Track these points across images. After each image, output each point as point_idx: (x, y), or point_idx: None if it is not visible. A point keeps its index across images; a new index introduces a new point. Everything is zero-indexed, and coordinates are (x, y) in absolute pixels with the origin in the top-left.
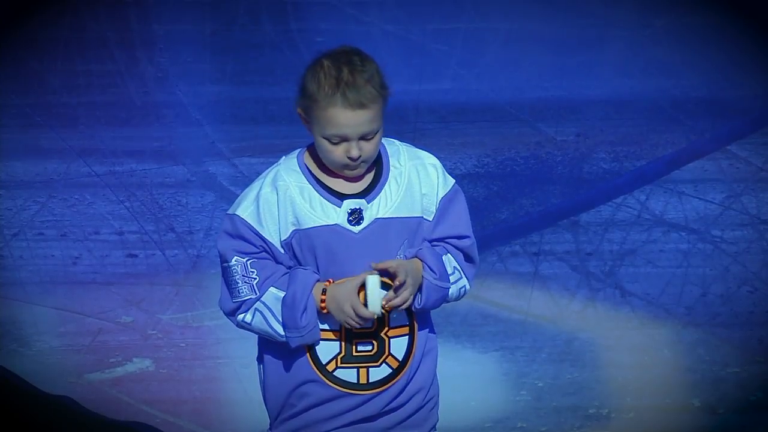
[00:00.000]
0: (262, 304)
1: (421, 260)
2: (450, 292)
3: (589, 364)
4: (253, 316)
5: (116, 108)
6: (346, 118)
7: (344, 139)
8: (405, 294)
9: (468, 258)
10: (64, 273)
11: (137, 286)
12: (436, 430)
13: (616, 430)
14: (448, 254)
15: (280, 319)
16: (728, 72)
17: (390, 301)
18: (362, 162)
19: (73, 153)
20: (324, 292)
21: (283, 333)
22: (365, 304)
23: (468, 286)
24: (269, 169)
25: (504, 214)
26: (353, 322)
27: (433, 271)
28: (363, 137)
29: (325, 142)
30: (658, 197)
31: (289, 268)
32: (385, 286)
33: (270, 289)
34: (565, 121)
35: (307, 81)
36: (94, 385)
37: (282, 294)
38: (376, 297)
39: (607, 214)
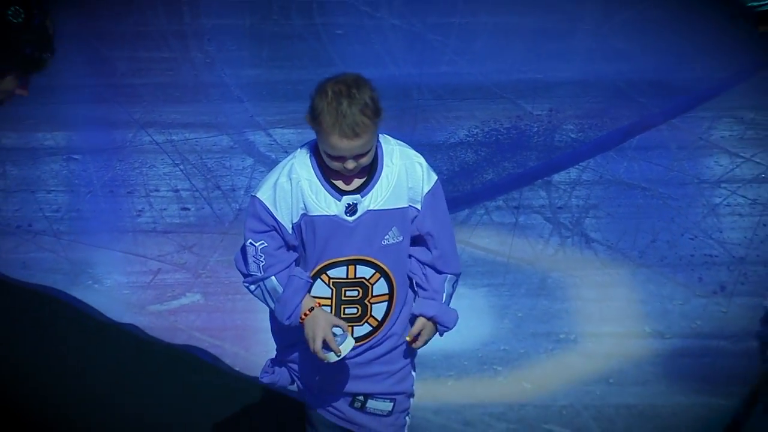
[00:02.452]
0: (264, 285)
1: (436, 322)
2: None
3: (559, 297)
4: (255, 288)
5: (172, 88)
6: (343, 144)
7: (341, 158)
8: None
9: (452, 250)
10: (130, 223)
11: (190, 234)
12: (413, 365)
13: (582, 351)
14: (448, 276)
15: (274, 305)
16: (674, 58)
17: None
18: (356, 172)
19: (137, 125)
20: (311, 309)
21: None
22: (327, 348)
23: (458, 279)
24: (286, 159)
25: (490, 175)
26: (313, 347)
27: (446, 327)
28: (357, 156)
29: (326, 155)
30: (616, 161)
31: (293, 247)
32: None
33: (272, 277)
34: (540, 99)
35: (314, 103)
36: (154, 315)
37: (280, 290)
38: (341, 354)
39: (575, 175)
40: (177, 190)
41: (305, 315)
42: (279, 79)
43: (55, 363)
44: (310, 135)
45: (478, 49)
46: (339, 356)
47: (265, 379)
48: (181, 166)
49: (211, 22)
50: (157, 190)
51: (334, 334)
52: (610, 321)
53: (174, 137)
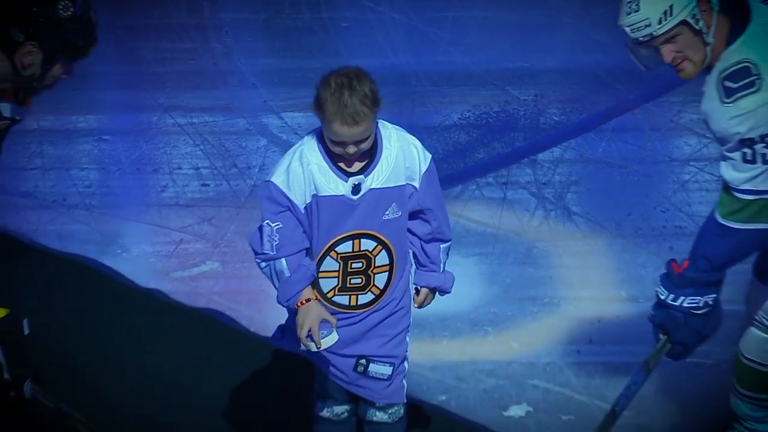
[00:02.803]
0: (273, 265)
1: (438, 290)
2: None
3: (544, 265)
4: (264, 266)
5: (193, 75)
6: (344, 131)
7: (343, 143)
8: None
9: (446, 220)
10: (155, 198)
11: (209, 207)
12: (408, 331)
13: (563, 313)
14: (441, 244)
15: (278, 285)
16: None
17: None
18: (357, 156)
19: (162, 109)
20: (308, 300)
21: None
22: (310, 336)
23: (450, 245)
24: (296, 146)
25: (481, 154)
26: (299, 334)
27: (446, 292)
28: (357, 142)
29: (329, 140)
30: (595, 141)
31: (305, 230)
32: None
33: (282, 259)
34: (526, 85)
35: (319, 93)
36: (177, 281)
37: (287, 274)
38: (321, 347)
39: (558, 154)
40: (197, 168)
41: (302, 303)
42: (290, 67)
43: (86, 325)
44: (318, 118)
45: (470, 40)
46: (318, 348)
47: (276, 343)
48: (202, 146)
49: (228, 16)
50: (180, 168)
51: (322, 328)
52: (590, 287)
53: (195, 120)
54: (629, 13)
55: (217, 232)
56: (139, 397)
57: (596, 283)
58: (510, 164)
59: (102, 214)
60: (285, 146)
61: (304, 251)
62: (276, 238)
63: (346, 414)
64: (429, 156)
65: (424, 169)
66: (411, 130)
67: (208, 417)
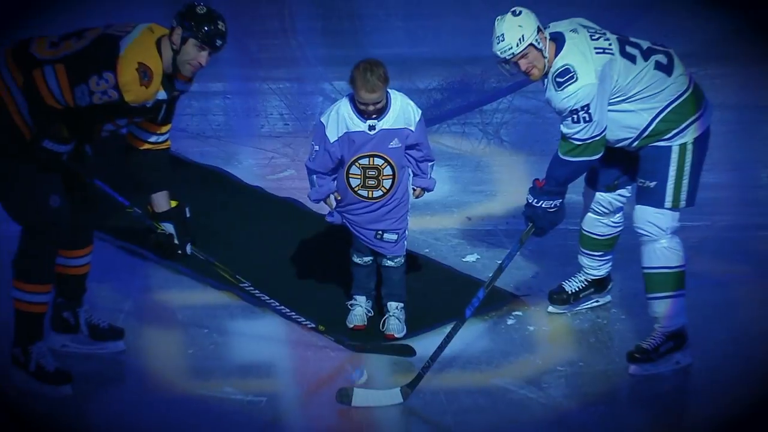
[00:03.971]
0: (311, 177)
1: (428, 189)
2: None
3: (487, 171)
4: (307, 171)
5: (280, 59)
6: (366, 96)
7: (365, 104)
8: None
9: (430, 149)
10: (256, 131)
11: (288, 137)
12: (408, 213)
13: (498, 200)
14: (429, 163)
15: (313, 187)
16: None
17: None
18: (375, 111)
19: (260, 79)
20: (329, 197)
21: (312, 189)
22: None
23: (434, 163)
24: (337, 102)
25: (449, 106)
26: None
27: (431, 190)
28: (374, 104)
29: (358, 102)
30: (518, 99)
31: (333, 156)
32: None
33: (314, 176)
34: (476, 65)
35: (353, 73)
36: (270, 181)
37: (316, 186)
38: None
39: (495, 105)
40: (282, 114)
41: (325, 199)
42: (336, 54)
43: (217, 208)
44: (351, 88)
45: (443, 38)
46: (332, 208)
47: (329, 219)
48: (284, 101)
49: (300, 24)
50: (271, 114)
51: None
52: (515, 184)
53: (280, 86)
54: (498, 43)
55: (293, 152)
56: (248, 248)
57: (518, 182)
58: (467, 112)
59: (226, 141)
60: (333, 101)
61: (329, 173)
62: (314, 156)
63: (370, 261)
64: (420, 111)
65: (417, 119)
66: (407, 91)
67: (287, 262)
